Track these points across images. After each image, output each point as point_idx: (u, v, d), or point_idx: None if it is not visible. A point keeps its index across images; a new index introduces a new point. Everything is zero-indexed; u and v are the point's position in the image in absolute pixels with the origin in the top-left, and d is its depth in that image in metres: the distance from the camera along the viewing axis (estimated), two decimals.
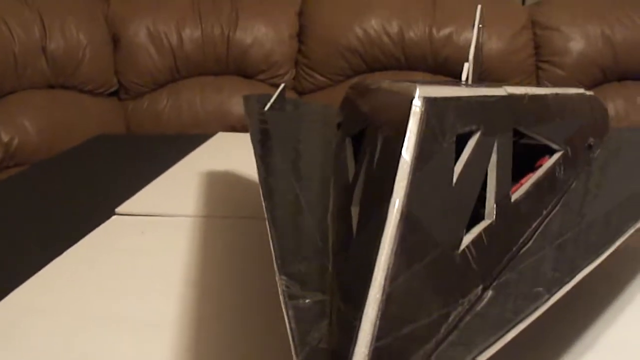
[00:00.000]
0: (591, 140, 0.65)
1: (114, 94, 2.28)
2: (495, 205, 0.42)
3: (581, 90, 0.71)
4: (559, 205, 0.52)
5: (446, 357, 0.29)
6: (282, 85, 0.89)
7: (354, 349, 0.26)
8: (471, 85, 0.54)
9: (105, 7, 2.26)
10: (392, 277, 0.29)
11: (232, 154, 1.28)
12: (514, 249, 0.42)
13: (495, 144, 0.44)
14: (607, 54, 2.24)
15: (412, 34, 2.26)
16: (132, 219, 0.88)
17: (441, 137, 0.37)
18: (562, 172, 0.56)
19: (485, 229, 0.40)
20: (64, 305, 0.65)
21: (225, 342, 0.58)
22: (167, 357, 0.55)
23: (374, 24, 2.28)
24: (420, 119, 0.36)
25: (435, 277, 0.33)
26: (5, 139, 1.89)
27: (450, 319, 0.32)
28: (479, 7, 0.80)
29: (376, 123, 0.43)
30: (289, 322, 0.30)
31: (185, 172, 1.11)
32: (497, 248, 0.40)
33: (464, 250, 0.36)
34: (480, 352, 0.29)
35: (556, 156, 0.56)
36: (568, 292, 0.38)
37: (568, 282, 0.38)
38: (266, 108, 0.81)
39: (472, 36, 0.75)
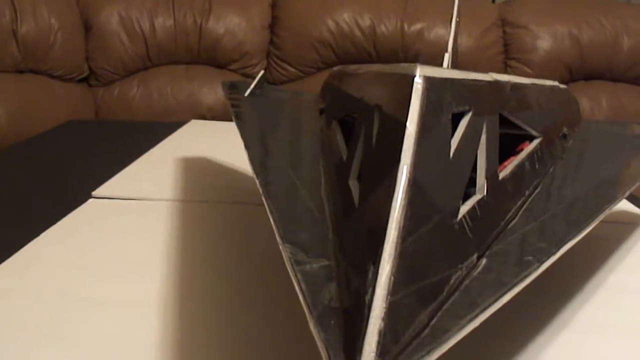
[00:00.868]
0: (565, 129, 0.68)
1: (84, 80, 2.27)
2: (485, 181, 0.44)
3: (555, 83, 0.73)
4: (539, 187, 0.54)
5: (450, 314, 0.30)
6: (261, 72, 0.90)
7: (372, 302, 0.27)
8: (460, 71, 0.56)
9: None
10: (404, 237, 0.31)
11: (206, 141, 1.29)
12: (502, 223, 0.44)
13: (485, 125, 0.46)
14: (574, 54, 2.29)
15: (383, 28, 2.28)
16: (109, 202, 0.89)
17: (440, 113, 0.39)
18: (541, 157, 0.58)
19: (479, 202, 0.42)
20: (45, 286, 0.65)
21: (207, 322, 0.59)
22: (148, 336, 0.56)
23: (346, 17, 2.30)
24: (422, 94, 0.37)
25: (439, 242, 0.35)
26: None
27: (452, 281, 0.34)
28: (456, 0, 0.83)
29: (371, 103, 0.45)
30: (299, 285, 0.31)
31: (161, 158, 1.11)
32: (488, 220, 0.42)
33: (461, 219, 0.38)
34: (482, 311, 0.31)
35: (535, 142, 0.58)
36: (544, 273, 0.40)
37: (555, 252, 0.40)
38: (246, 93, 0.82)
39: (444, 32, 0.78)
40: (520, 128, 0.57)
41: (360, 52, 2.30)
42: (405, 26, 2.27)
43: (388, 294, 0.28)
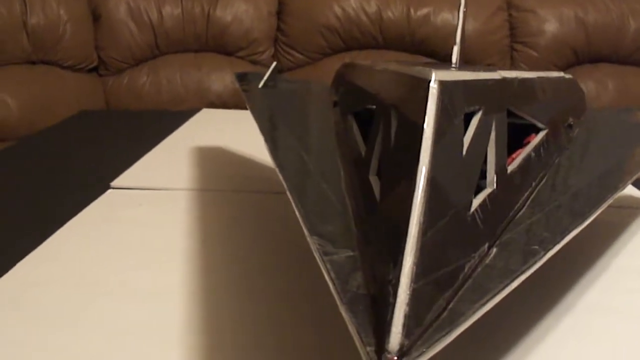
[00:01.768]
0: (571, 120, 0.70)
1: (94, 69, 2.29)
2: (495, 176, 0.47)
3: (561, 74, 0.76)
4: (545, 178, 0.57)
5: (467, 299, 0.34)
6: (273, 64, 0.92)
7: (397, 289, 0.31)
8: (469, 69, 0.58)
9: None
10: (424, 231, 0.34)
11: (218, 129, 1.31)
12: (511, 214, 0.47)
13: (494, 122, 0.49)
14: (580, 37, 2.30)
15: (390, 14, 2.30)
16: (128, 193, 0.91)
17: (453, 114, 0.42)
18: (547, 148, 0.60)
19: (489, 195, 0.45)
20: (68, 278, 0.67)
21: (227, 309, 0.61)
22: (170, 323, 0.58)
23: (352, 3, 2.31)
24: (438, 98, 0.40)
25: (454, 234, 0.38)
26: None
27: (466, 269, 0.37)
28: None
29: (389, 102, 0.47)
30: (329, 274, 0.34)
31: (175, 147, 1.13)
32: (498, 212, 0.45)
33: (473, 212, 0.41)
34: (493, 296, 0.34)
35: (542, 134, 0.60)
36: (553, 259, 0.43)
37: (559, 241, 0.43)
38: (260, 85, 0.84)
39: (451, 17, 0.80)
40: (527, 121, 0.60)
41: (366, 38, 2.32)
42: (412, 11, 2.29)
43: (411, 282, 0.31)
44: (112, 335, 0.56)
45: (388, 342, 0.28)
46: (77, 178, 1.00)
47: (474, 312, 0.32)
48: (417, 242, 0.33)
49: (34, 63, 2.09)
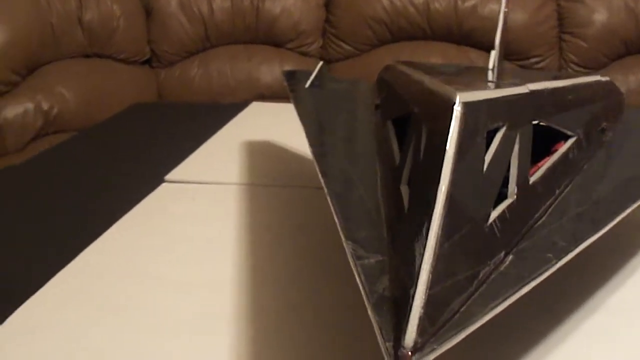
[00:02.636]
0: (604, 124, 0.71)
1: (147, 62, 2.35)
2: (516, 187, 0.49)
3: (597, 77, 0.76)
4: (570, 185, 0.59)
5: (478, 303, 0.38)
6: (320, 63, 0.94)
7: (414, 294, 0.35)
8: (499, 83, 0.60)
9: None
10: (440, 244, 0.38)
11: (268, 123, 1.34)
12: (531, 222, 0.50)
13: (518, 136, 0.51)
14: (630, 27, 2.27)
15: (437, 5, 2.30)
16: (182, 187, 0.95)
17: (475, 133, 0.45)
18: (574, 155, 0.62)
19: (508, 206, 0.48)
20: (123, 269, 0.71)
21: (273, 301, 0.64)
22: (221, 315, 0.61)
23: None
24: (461, 121, 0.44)
25: (470, 244, 0.41)
26: (45, 107, 1.97)
27: (480, 275, 0.41)
28: None
29: (420, 116, 0.51)
30: (359, 277, 0.38)
31: (227, 141, 1.17)
32: (517, 222, 0.48)
33: (491, 223, 0.45)
34: (503, 301, 0.38)
35: (570, 141, 0.62)
36: (578, 260, 0.47)
37: (572, 250, 0.46)
38: (307, 85, 0.86)
39: (498, 8, 0.80)
40: (555, 130, 0.61)
41: (414, 29, 2.33)
42: (459, 2, 2.29)
43: (427, 289, 0.35)
44: (162, 324, 0.60)
45: (404, 339, 0.32)
46: (132, 172, 1.04)
47: (483, 315, 0.36)
48: (435, 252, 0.37)
49: (88, 57, 2.15)
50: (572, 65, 2.27)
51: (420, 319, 0.33)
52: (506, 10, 0.81)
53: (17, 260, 0.76)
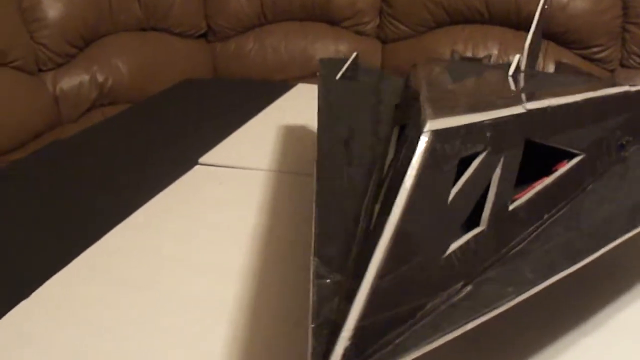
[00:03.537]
0: (625, 138, 0.67)
1: (203, 36, 2.37)
2: (490, 214, 0.47)
3: (625, 88, 0.70)
4: (565, 209, 0.56)
5: (415, 336, 0.38)
6: (354, 54, 0.93)
7: (344, 325, 0.35)
8: (496, 101, 0.55)
9: None
10: (380, 276, 0.38)
11: (310, 107, 1.33)
12: (504, 250, 0.48)
13: (502, 160, 0.49)
14: None
15: None
16: (214, 170, 0.96)
17: (443, 163, 0.43)
18: (579, 175, 0.58)
19: (476, 235, 0.46)
20: (146, 248, 0.75)
21: (291, 290, 0.66)
22: (228, 300, 0.64)
23: None
24: (425, 151, 0.42)
25: (419, 276, 0.41)
26: (100, 79, 2.01)
27: (428, 307, 0.40)
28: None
29: (405, 135, 0.48)
30: (312, 297, 0.39)
31: (265, 125, 1.17)
32: (484, 251, 0.46)
33: (450, 254, 0.43)
34: (443, 335, 0.38)
35: (575, 161, 0.58)
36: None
37: (538, 284, 0.44)
38: (337, 76, 0.85)
39: None
40: (555, 149, 0.58)
41: (472, 12, 2.29)
42: None
43: (358, 321, 0.36)
44: (171, 302, 0.64)
45: None
46: (170, 152, 1.05)
47: (418, 349, 0.37)
48: (372, 286, 0.37)
49: (145, 30, 2.19)
50: (635, 58, 2.20)
51: (346, 349, 0.34)
52: (546, 7, 0.78)
53: (48, 235, 0.79)
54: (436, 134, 0.43)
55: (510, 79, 0.68)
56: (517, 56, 0.69)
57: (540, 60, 2.13)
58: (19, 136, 1.73)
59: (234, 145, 1.06)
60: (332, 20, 2.40)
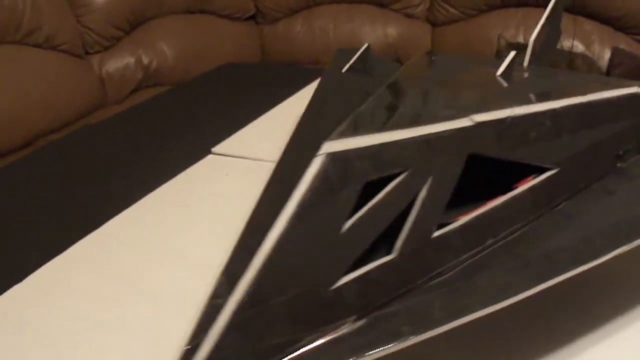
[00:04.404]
0: (624, 148, 0.58)
1: (251, 18, 2.38)
2: (405, 242, 0.42)
3: (633, 89, 0.60)
4: (518, 233, 0.49)
5: None
6: (365, 45, 0.89)
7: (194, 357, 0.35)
8: (432, 116, 0.48)
9: None
10: (242, 308, 0.36)
11: None
12: (422, 281, 0.43)
13: (429, 181, 0.43)
14: None
15: None
16: (224, 160, 0.96)
17: (339, 188, 0.40)
18: (545, 193, 0.51)
19: (383, 264, 0.41)
20: (143, 241, 0.75)
21: None
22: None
23: None
24: (316, 176, 0.39)
25: (295, 309, 0.38)
26: (145, 61, 2.04)
27: (304, 341, 0.37)
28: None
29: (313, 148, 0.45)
30: (196, 318, 0.37)
31: (286, 114, 1.17)
32: (393, 281, 0.42)
33: (340, 286, 0.39)
34: None
35: (542, 177, 0.51)
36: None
37: (442, 325, 0.39)
38: (344, 69, 0.81)
39: None
40: (516, 164, 0.50)
41: None
42: None
43: (210, 353, 0.35)
44: (157, 298, 0.65)
45: None
46: (186, 140, 1.06)
47: None
48: (232, 318, 0.35)
49: (192, 12, 2.20)
50: None
51: None
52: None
53: (49, 220, 0.81)
54: (332, 157, 0.40)
55: (499, 80, 0.62)
56: (512, 53, 0.63)
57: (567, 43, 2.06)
58: (65, 117, 1.77)
59: (250, 134, 1.06)
60: (381, 3, 2.38)
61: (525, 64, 0.69)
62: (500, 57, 2.00)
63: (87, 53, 1.92)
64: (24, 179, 0.95)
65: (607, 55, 2.16)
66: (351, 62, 0.84)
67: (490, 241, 0.47)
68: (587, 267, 0.45)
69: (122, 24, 1.99)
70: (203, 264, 0.69)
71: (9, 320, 0.62)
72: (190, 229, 0.77)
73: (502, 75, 0.62)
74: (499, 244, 0.47)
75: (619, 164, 0.58)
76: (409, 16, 2.37)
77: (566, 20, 2.23)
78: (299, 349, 0.37)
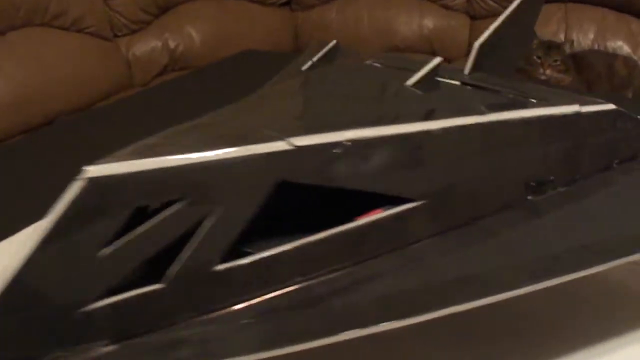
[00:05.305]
0: (540, 178, 0.51)
1: (286, 4, 2.37)
2: (178, 272, 0.40)
3: (572, 108, 0.52)
4: (339, 273, 0.43)
5: None
6: (333, 42, 0.78)
7: None
8: (254, 138, 0.42)
9: None
10: None
11: None
12: (195, 315, 0.41)
13: (217, 210, 0.40)
14: None
15: None
16: None
17: (98, 214, 0.38)
18: (397, 229, 0.45)
19: (147, 292, 0.40)
20: None
21: None
22: None
23: None
24: (72, 201, 0.38)
25: (37, 327, 0.38)
26: (172, 45, 2.05)
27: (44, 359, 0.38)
28: None
29: None
30: None
31: None
32: (157, 311, 0.40)
33: (92, 310, 0.39)
34: None
35: (401, 208, 0.45)
36: None
37: None
38: (304, 67, 0.72)
39: None
40: (355, 194, 0.44)
41: None
42: None
43: None
44: None
45: None
46: None
47: None
48: None
49: None
50: None
51: None
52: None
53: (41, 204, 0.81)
54: (91, 182, 0.38)
55: (405, 92, 0.55)
56: (437, 60, 0.55)
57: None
58: (91, 99, 1.79)
59: None
60: None
61: (467, 71, 0.59)
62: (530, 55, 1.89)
63: (115, 36, 1.94)
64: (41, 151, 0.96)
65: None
66: (313, 60, 0.73)
67: (299, 279, 0.42)
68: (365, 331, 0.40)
69: (151, 8, 2.01)
70: None
71: None
72: None
73: (414, 85, 0.55)
74: (309, 282, 0.43)
75: (529, 197, 0.51)
76: (447, 8, 2.34)
77: (611, 16, 2.16)
78: None
